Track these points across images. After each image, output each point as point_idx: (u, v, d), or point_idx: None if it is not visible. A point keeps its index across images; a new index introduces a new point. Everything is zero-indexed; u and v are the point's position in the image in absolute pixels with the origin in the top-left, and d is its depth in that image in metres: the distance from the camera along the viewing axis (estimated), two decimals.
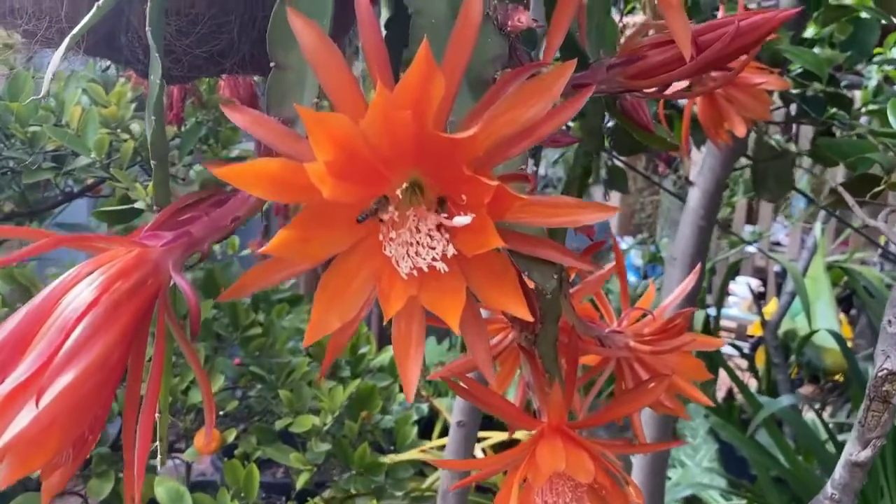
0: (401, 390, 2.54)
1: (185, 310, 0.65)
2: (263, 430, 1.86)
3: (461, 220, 0.59)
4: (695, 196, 1.79)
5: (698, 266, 1.29)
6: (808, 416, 3.43)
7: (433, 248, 0.62)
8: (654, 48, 0.77)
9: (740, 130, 1.48)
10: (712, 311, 3.90)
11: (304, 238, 0.61)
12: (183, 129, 1.58)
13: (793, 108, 1.92)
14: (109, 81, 1.70)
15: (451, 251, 0.61)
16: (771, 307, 4.92)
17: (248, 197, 0.70)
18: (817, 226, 3.96)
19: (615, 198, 4.81)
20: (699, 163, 1.94)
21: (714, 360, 2.95)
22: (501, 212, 0.59)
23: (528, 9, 0.69)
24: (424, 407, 3.03)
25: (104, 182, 1.52)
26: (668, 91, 0.82)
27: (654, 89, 0.79)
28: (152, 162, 0.68)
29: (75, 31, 0.70)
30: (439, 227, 0.63)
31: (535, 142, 0.66)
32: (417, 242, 0.63)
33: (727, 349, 4.21)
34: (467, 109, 0.70)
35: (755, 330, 5.60)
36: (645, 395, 1.01)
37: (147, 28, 0.69)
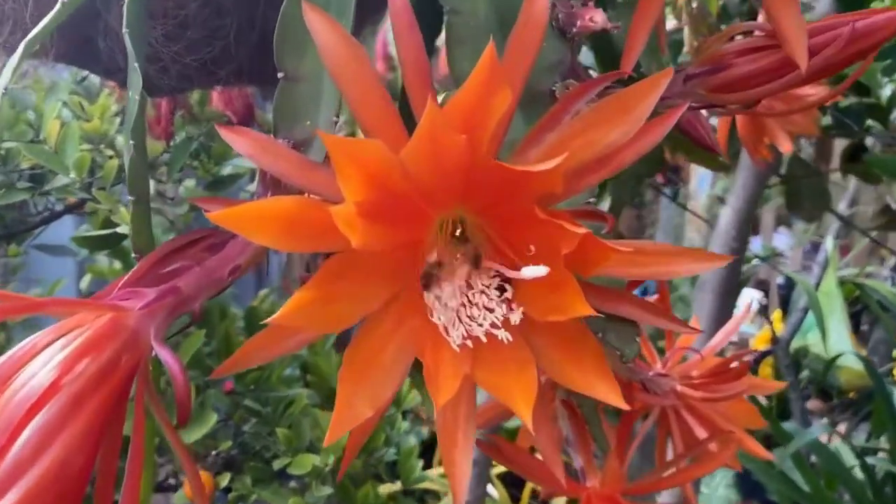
0: (404, 417, 2.40)
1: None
2: (259, 470, 1.71)
3: (533, 271, 0.45)
4: (727, 216, 1.65)
5: (747, 305, 1.15)
6: (821, 435, 3.30)
7: (491, 311, 0.49)
8: (742, 55, 0.63)
9: (785, 146, 1.34)
10: None
11: (326, 298, 0.47)
12: (172, 144, 1.44)
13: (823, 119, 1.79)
14: (93, 92, 1.56)
15: (517, 317, 0.47)
16: (776, 320, 4.80)
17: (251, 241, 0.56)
18: (829, 239, 3.84)
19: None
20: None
21: None
22: (586, 266, 0.45)
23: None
24: (424, 431, 2.89)
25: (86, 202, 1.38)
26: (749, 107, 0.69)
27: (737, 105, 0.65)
28: (129, 198, 0.53)
29: (33, 33, 0.56)
30: (497, 282, 0.49)
31: (613, 171, 0.53)
32: (470, 302, 0.49)
33: None
34: (518, 130, 0.56)
35: (759, 343, 5.49)
36: (712, 461, 0.87)
37: (124, 30, 0.55)
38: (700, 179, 4.16)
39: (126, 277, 0.52)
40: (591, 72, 0.64)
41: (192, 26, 0.81)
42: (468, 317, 0.48)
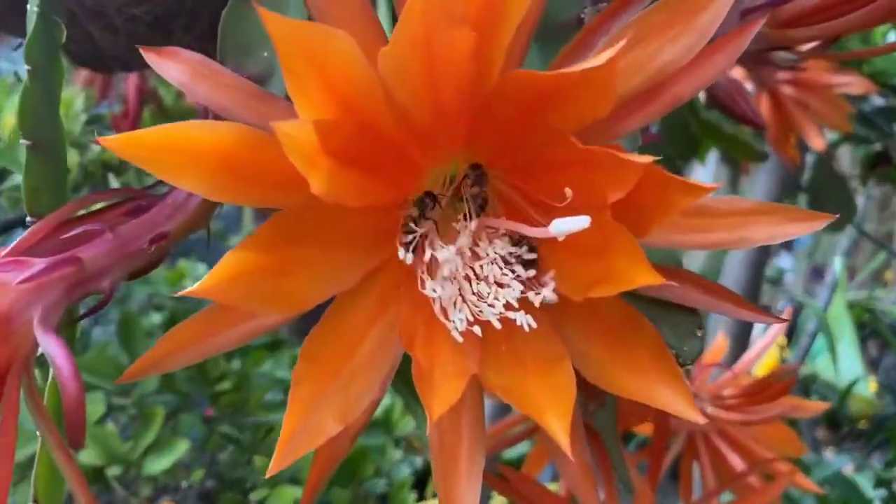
0: (397, 445, 2.25)
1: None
2: (236, 503, 1.55)
3: (567, 224, 0.31)
4: None
5: (788, 310, 1.02)
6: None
7: (507, 288, 0.35)
8: None
9: (817, 142, 1.21)
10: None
11: (277, 267, 0.33)
12: None
13: None
14: None
15: (545, 295, 0.33)
16: (780, 346, 4.67)
17: (185, 198, 0.42)
18: (837, 260, 3.71)
19: None
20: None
21: None
22: (643, 221, 0.32)
23: None
24: (418, 460, 2.73)
25: None
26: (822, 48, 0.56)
27: (811, 45, 0.52)
28: (23, 142, 0.40)
29: None
30: (517, 247, 0.35)
31: (665, 109, 0.39)
32: (477, 276, 0.35)
33: None
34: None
35: (764, 370, 5.34)
36: (756, 497, 0.73)
37: None
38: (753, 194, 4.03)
39: (20, 239, 0.39)
40: None
41: None
42: (475, 295, 0.35)
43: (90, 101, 1.44)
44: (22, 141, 0.41)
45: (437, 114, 0.35)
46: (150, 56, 0.38)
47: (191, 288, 0.30)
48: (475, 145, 0.37)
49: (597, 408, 0.72)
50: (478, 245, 0.36)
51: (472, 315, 0.34)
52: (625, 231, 0.31)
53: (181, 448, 1.39)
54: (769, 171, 1.48)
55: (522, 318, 0.34)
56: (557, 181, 0.34)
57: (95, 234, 0.39)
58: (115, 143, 0.31)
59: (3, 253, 0.38)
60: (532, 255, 0.35)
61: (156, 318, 1.79)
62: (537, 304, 0.34)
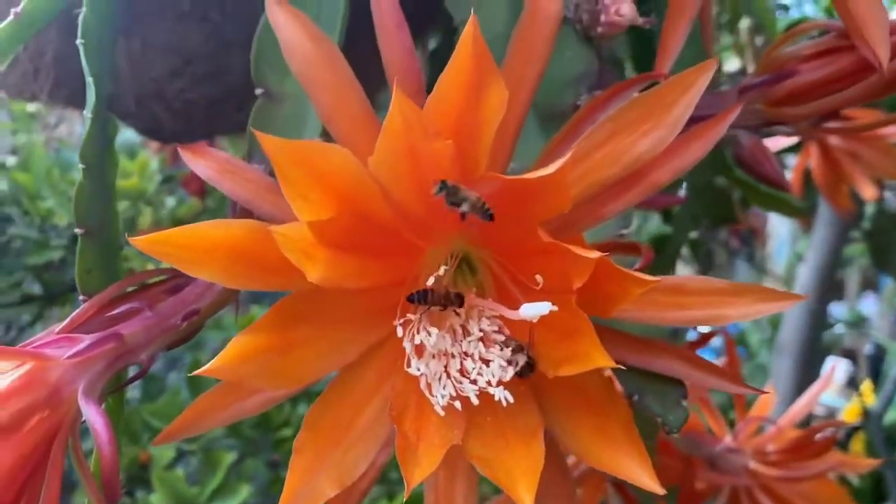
0: None
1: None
2: None
3: (533, 309, 0.35)
4: (805, 275, 1.50)
5: (831, 368, 1.01)
6: None
7: (489, 364, 0.38)
8: (808, 60, 0.53)
9: (869, 193, 1.20)
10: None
11: (282, 347, 0.37)
12: (207, 201, 1.40)
13: None
14: (134, 150, 1.54)
15: (513, 372, 0.37)
16: (867, 392, 4.47)
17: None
18: None
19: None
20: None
21: None
22: (606, 303, 0.35)
23: None
24: None
25: None
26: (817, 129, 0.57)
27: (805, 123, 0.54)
28: (77, 230, 0.46)
29: None
30: (500, 327, 0.39)
31: (647, 192, 0.43)
32: (464, 353, 0.39)
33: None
34: (538, 153, 0.47)
35: (848, 417, 5.11)
36: None
37: (79, 41, 0.48)
38: (779, 242, 3.94)
39: (70, 318, 0.44)
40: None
41: (196, 61, 0.75)
42: (459, 371, 0.38)
43: (164, 163, 1.55)
44: (76, 230, 0.47)
45: (430, 206, 0.39)
46: (184, 153, 0.44)
47: (204, 368, 0.35)
48: (467, 229, 0.41)
49: None
50: (466, 323, 0.39)
51: (455, 390, 0.38)
52: (583, 316, 0.34)
53: (244, 492, 1.44)
54: (826, 221, 1.46)
55: (501, 394, 0.37)
56: (533, 266, 0.38)
57: (136, 312, 0.45)
58: (143, 242, 0.36)
59: (57, 330, 0.44)
60: (511, 338, 0.39)
61: None
62: (507, 379, 0.37)
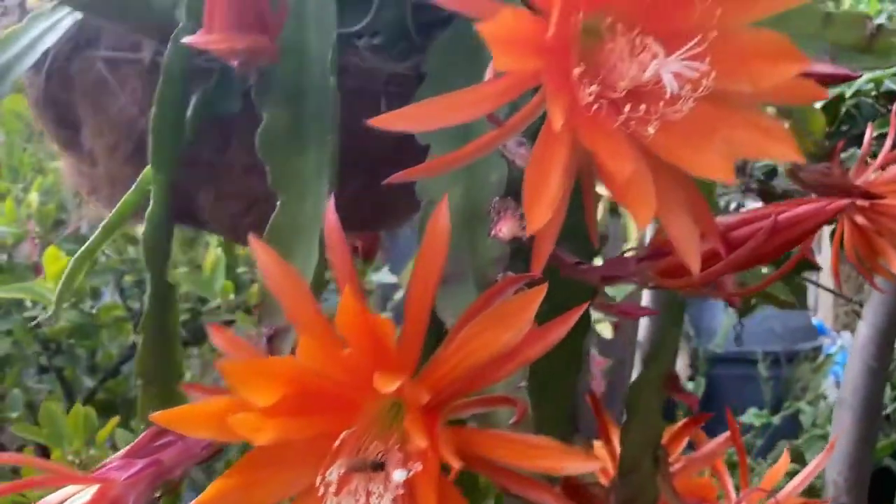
0: None
1: None
2: None
3: (397, 476, 0.52)
4: (863, 333, 1.54)
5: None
6: None
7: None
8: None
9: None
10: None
11: (248, 484, 0.56)
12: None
13: None
14: None
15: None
16: None
17: None
18: None
19: None
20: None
21: None
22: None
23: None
24: None
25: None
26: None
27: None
28: (136, 373, 0.67)
29: None
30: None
31: (522, 364, 0.58)
32: (368, 492, 0.56)
33: None
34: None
35: None
36: None
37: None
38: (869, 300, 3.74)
39: (129, 447, 0.65)
40: None
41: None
42: None
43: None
44: (137, 381, 0.68)
45: (361, 381, 0.56)
46: (210, 330, 0.63)
47: (194, 501, 0.54)
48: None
49: None
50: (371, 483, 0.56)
51: None
52: (430, 477, 0.51)
53: None
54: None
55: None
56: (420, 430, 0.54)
57: (173, 442, 0.65)
58: (160, 417, 0.55)
59: (120, 455, 0.64)
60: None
61: None
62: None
